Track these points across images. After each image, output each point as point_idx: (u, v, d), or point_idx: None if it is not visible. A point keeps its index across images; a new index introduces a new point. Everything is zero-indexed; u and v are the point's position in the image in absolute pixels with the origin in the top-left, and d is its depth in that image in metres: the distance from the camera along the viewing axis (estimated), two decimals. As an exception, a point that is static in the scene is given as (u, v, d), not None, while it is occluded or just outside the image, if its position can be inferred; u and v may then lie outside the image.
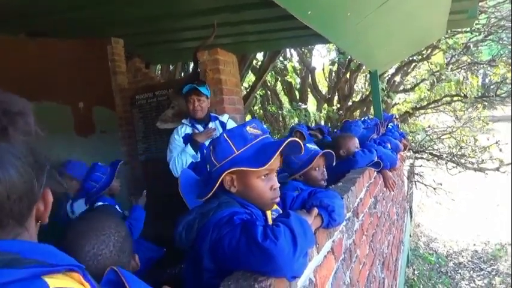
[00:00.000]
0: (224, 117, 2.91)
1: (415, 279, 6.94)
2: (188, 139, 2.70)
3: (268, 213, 1.21)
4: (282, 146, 1.08)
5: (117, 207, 2.45)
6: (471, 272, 8.07)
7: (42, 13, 3.30)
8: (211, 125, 2.78)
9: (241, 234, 0.92)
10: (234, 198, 1.13)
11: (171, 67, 7.03)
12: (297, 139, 1.13)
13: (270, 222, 1.17)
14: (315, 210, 1.26)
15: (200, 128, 2.77)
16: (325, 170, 1.94)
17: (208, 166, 1.19)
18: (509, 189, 9.74)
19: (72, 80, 4.04)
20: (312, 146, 1.96)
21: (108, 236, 1.00)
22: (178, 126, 2.80)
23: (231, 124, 2.86)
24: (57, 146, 3.64)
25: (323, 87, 10.00)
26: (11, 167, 0.48)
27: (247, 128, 1.14)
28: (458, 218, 10.96)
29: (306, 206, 1.30)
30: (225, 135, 1.14)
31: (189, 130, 2.76)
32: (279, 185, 1.18)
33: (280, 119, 9.34)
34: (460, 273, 8.01)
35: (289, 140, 1.10)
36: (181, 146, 2.70)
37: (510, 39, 8.66)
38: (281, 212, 1.28)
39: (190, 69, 5.63)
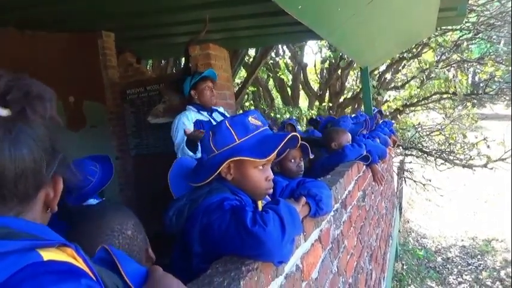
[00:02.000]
0: (221, 109, 2.90)
1: (404, 273, 7.05)
2: (199, 126, 2.53)
3: (259, 201, 1.24)
4: (286, 139, 1.10)
5: None
6: (459, 267, 8.21)
7: (31, 4, 3.26)
8: (215, 115, 2.70)
9: (231, 219, 0.94)
10: (225, 185, 1.14)
11: (163, 62, 7.00)
12: (297, 134, 1.16)
13: (260, 209, 1.19)
14: (303, 199, 1.29)
15: (205, 114, 2.66)
16: (301, 162, 1.95)
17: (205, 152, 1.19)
18: (502, 184, 9.91)
19: (62, 74, 3.98)
20: None
21: (111, 239, 0.88)
22: (186, 112, 2.61)
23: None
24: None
25: (314, 84, 10.02)
26: (24, 146, 0.49)
27: (250, 118, 1.15)
28: (446, 214, 11.12)
29: (295, 195, 1.33)
30: (226, 122, 1.14)
31: (198, 116, 2.62)
32: (273, 176, 1.21)
33: (272, 115, 9.35)
34: (448, 268, 8.14)
35: (291, 134, 1.12)
36: None
37: (499, 38, 8.78)
38: (270, 200, 1.30)
39: (182, 65, 5.61)
